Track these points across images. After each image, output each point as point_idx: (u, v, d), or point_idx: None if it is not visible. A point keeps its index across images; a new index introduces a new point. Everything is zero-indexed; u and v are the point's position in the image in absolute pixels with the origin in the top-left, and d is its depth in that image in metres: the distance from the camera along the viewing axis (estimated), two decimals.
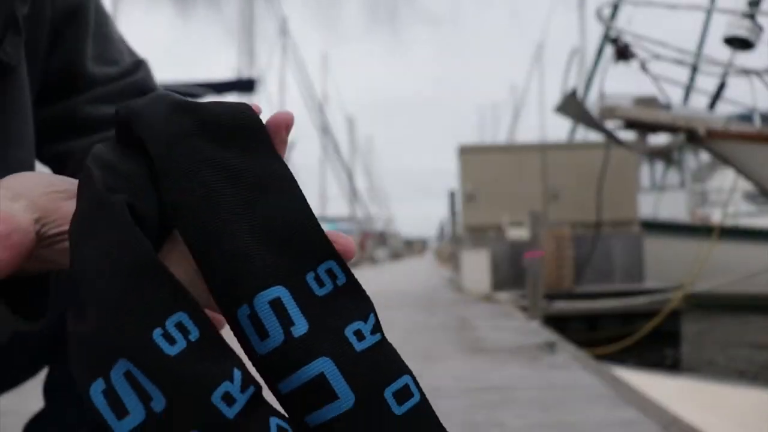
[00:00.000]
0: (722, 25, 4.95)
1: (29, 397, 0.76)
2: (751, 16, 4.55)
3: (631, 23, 6.53)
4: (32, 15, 0.60)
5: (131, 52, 0.71)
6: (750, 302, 8.75)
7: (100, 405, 0.30)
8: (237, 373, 0.31)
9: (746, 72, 4.77)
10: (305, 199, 0.34)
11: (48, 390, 0.73)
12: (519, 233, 5.60)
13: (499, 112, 34.04)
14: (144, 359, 0.29)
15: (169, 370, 0.29)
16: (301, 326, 0.32)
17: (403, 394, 0.32)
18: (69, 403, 0.72)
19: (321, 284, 0.33)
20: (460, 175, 7.71)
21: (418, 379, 0.33)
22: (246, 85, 9.05)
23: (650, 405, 2.01)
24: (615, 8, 7.21)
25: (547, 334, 3.64)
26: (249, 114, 0.35)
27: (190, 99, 0.37)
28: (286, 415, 0.32)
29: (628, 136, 5.50)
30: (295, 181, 0.34)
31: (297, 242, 0.33)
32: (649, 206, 11.18)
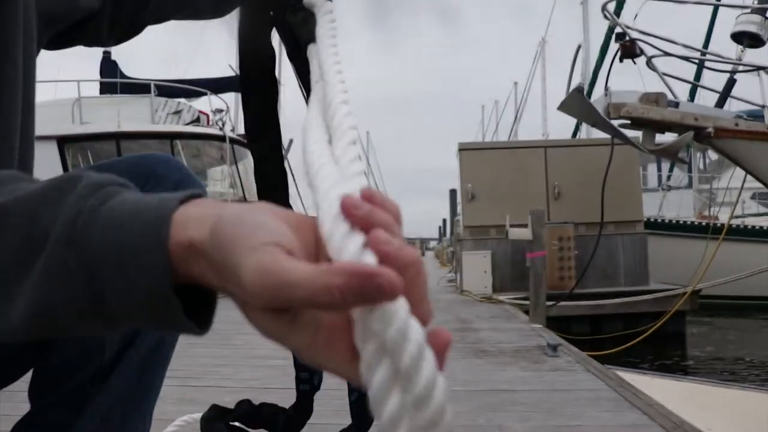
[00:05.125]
0: (729, 23, 4.88)
1: (23, 400, 0.73)
2: (762, 12, 4.47)
3: (637, 19, 6.46)
4: None
5: None
6: (756, 303, 8.68)
7: None
8: None
9: (757, 68, 4.70)
10: None
11: (33, 392, 0.72)
12: (521, 233, 5.54)
13: (501, 109, 34.00)
14: None
15: None
16: None
17: None
18: (54, 405, 0.71)
19: None
20: (460, 174, 7.63)
21: None
22: None
23: (655, 408, 1.96)
24: (620, 4, 7.14)
25: (550, 336, 3.58)
26: None
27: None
28: None
29: (632, 134, 5.43)
30: None
31: None
32: (656, 206, 11.10)
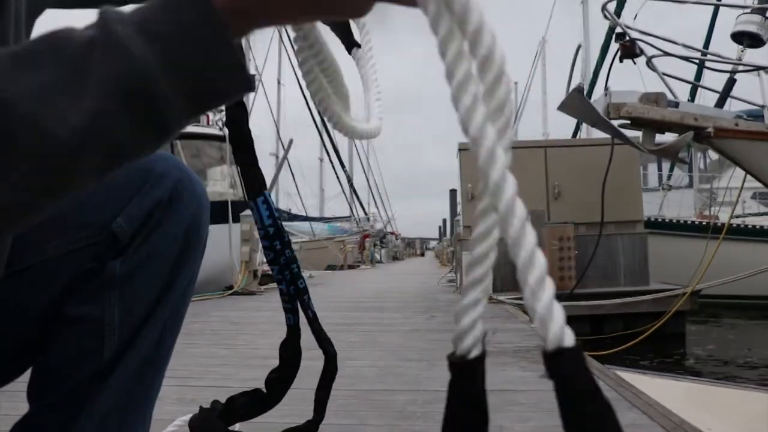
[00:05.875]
0: (729, 23, 4.88)
1: (23, 400, 0.73)
2: (762, 12, 4.48)
3: (637, 19, 6.47)
4: None
5: None
6: (756, 303, 8.68)
7: None
8: None
9: (757, 68, 4.70)
10: None
11: (32, 392, 0.72)
12: None
13: None
14: None
15: None
16: None
17: None
18: (53, 405, 0.71)
19: None
20: (460, 174, 7.63)
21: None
22: None
23: (655, 408, 1.96)
24: (620, 4, 7.15)
25: None
26: None
27: None
28: None
29: (632, 134, 5.43)
30: None
31: None
32: (656, 206, 11.11)
